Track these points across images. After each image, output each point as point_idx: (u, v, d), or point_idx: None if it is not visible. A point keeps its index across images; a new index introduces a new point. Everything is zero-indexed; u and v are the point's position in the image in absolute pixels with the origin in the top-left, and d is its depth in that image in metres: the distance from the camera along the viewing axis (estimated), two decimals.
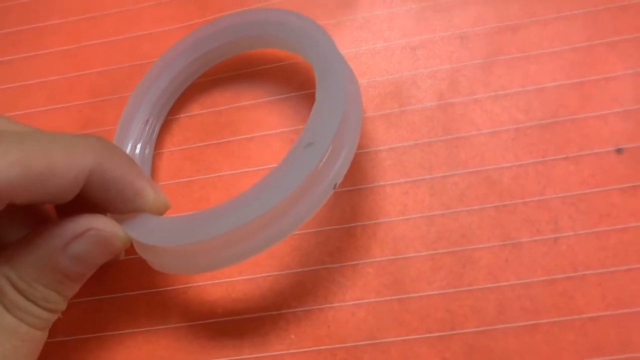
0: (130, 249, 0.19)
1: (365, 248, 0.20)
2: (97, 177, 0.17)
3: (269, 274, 0.21)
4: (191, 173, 0.23)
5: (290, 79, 0.23)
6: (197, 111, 0.23)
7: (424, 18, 0.22)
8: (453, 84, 0.22)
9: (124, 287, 0.21)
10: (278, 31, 0.20)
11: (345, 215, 0.21)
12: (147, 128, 0.22)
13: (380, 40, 0.23)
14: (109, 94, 0.24)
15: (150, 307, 0.21)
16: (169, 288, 0.21)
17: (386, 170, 0.21)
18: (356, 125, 0.19)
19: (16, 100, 0.25)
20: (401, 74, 0.22)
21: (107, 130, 0.24)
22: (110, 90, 0.24)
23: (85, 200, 0.18)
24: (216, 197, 0.22)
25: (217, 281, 0.21)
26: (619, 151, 0.20)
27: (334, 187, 0.18)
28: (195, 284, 0.21)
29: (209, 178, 0.22)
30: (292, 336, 0.20)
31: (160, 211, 0.19)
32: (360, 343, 0.19)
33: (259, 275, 0.21)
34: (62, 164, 0.16)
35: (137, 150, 0.22)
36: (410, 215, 0.21)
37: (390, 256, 0.20)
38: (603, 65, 0.21)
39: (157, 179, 0.23)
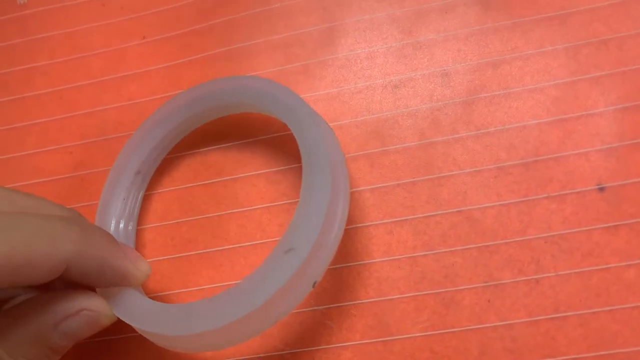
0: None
1: (350, 289, 0.21)
2: (75, 264, 0.18)
3: None
4: (179, 215, 0.23)
5: (273, 120, 0.24)
6: (185, 151, 0.24)
7: (404, 55, 0.23)
8: (434, 123, 0.22)
9: None
10: (256, 100, 0.21)
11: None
12: (129, 200, 0.23)
13: (361, 79, 0.23)
14: (97, 135, 0.25)
15: None
16: None
17: (370, 210, 0.22)
18: (340, 225, 0.20)
19: (7, 143, 0.26)
20: (382, 113, 0.23)
21: (98, 172, 0.25)
22: (98, 132, 0.25)
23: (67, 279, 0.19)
24: (204, 238, 0.23)
25: None
26: (601, 189, 0.21)
27: (314, 285, 0.19)
28: None
29: (196, 220, 0.23)
30: None
31: (141, 281, 0.20)
32: None
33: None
34: (42, 256, 0.17)
35: (121, 224, 0.23)
36: (394, 255, 0.21)
37: (374, 297, 0.21)
38: (585, 101, 0.21)
39: (146, 222, 0.24)
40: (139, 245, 0.23)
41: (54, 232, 0.17)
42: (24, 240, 0.17)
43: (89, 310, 0.19)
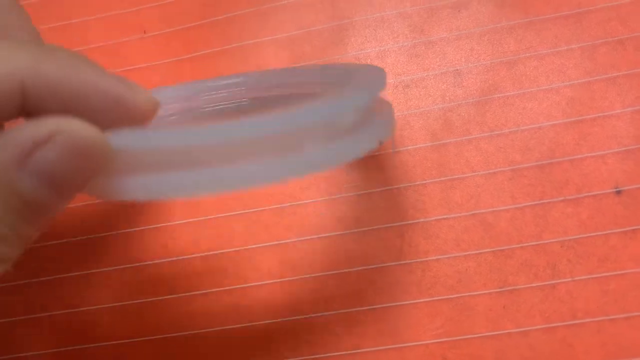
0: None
1: (360, 295, 0.21)
2: (37, 83, 0.14)
3: (262, 322, 0.21)
4: (181, 216, 0.23)
5: None
6: None
7: (416, 55, 0.23)
8: (446, 124, 0.22)
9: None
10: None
11: (340, 260, 0.21)
12: None
13: None
14: None
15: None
16: (162, 336, 0.22)
17: (380, 213, 0.22)
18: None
19: None
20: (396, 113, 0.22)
21: None
22: None
23: None
24: (206, 241, 0.22)
25: (211, 329, 0.21)
26: (618, 192, 0.20)
27: (380, 143, 0.17)
28: (187, 332, 0.21)
29: (199, 221, 0.23)
30: None
31: (146, 112, 0.15)
32: None
33: (252, 324, 0.21)
34: None
35: None
36: (406, 260, 0.21)
37: (385, 303, 0.21)
38: (601, 102, 0.21)
39: (150, 223, 0.23)
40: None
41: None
42: None
43: (67, 132, 0.13)
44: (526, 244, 0.20)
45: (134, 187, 0.14)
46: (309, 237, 0.22)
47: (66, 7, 0.27)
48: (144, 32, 0.25)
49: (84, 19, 0.26)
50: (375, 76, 0.17)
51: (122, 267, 0.22)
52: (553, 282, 0.20)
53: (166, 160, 0.14)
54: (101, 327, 0.22)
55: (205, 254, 0.22)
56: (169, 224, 0.23)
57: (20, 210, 0.13)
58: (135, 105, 0.15)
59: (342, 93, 0.16)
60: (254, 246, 0.22)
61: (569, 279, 0.20)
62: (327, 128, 0.15)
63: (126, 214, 0.23)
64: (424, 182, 0.22)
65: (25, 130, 0.13)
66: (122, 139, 0.14)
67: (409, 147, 0.22)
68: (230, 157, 0.14)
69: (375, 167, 0.22)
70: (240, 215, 0.22)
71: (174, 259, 0.22)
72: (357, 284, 0.21)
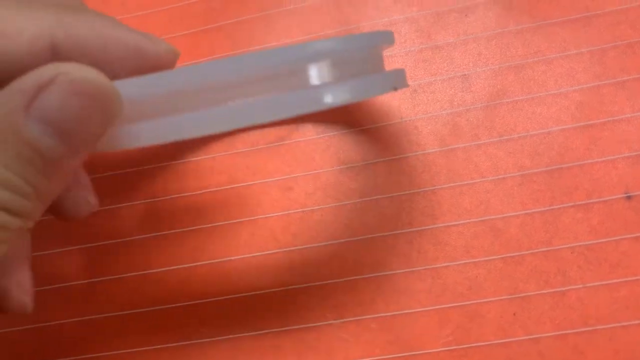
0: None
1: (369, 302, 0.21)
2: (65, 41, 0.14)
3: (270, 330, 0.21)
4: (188, 223, 0.23)
5: (288, 123, 0.23)
6: (192, 158, 0.24)
7: (423, 60, 0.23)
8: (455, 129, 0.22)
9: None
10: None
11: (347, 267, 0.21)
12: None
13: None
14: None
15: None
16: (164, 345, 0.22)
17: (389, 219, 0.21)
18: None
19: None
20: (401, 119, 0.22)
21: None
22: None
23: None
24: (213, 247, 0.22)
25: (219, 338, 0.21)
26: (628, 198, 0.20)
27: (394, 89, 0.16)
28: (194, 342, 0.21)
29: (205, 228, 0.23)
30: None
31: (165, 60, 0.16)
32: None
33: (259, 332, 0.21)
34: (13, 23, 0.14)
35: None
36: (415, 267, 0.21)
37: (394, 311, 0.20)
38: (611, 106, 0.21)
39: (155, 230, 0.23)
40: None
41: (25, 4, 0.14)
42: None
43: (64, 74, 0.13)
44: (536, 250, 0.20)
45: (140, 133, 0.14)
46: (316, 245, 0.22)
47: None
48: None
49: None
50: (384, 31, 0.17)
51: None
52: (564, 288, 0.20)
53: (172, 102, 0.14)
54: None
55: (211, 261, 0.22)
56: (170, 232, 0.23)
57: (32, 160, 0.13)
58: (158, 54, 0.16)
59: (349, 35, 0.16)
60: (260, 254, 0.22)
61: (580, 286, 0.20)
62: (337, 65, 0.15)
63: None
64: (433, 188, 0.21)
65: (30, 76, 0.13)
66: (128, 84, 0.14)
67: (417, 153, 0.22)
68: (236, 93, 0.14)
69: (382, 173, 0.22)
70: (246, 222, 0.22)
71: (180, 266, 0.22)
72: (366, 292, 0.21)
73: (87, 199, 0.18)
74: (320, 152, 0.23)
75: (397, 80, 0.16)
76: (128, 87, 0.14)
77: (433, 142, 0.22)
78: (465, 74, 0.22)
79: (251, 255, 0.22)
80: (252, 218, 0.22)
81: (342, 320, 0.21)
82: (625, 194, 0.20)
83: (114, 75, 0.14)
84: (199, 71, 0.14)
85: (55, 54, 0.14)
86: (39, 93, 0.13)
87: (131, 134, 0.14)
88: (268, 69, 0.14)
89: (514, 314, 0.20)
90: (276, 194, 0.22)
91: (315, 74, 0.14)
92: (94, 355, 0.22)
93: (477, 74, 0.22)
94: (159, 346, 0.22)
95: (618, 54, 0.22)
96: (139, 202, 0.23)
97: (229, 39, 0.24)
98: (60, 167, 0.13)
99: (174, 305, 0.22)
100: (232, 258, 0.22)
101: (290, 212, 0.22)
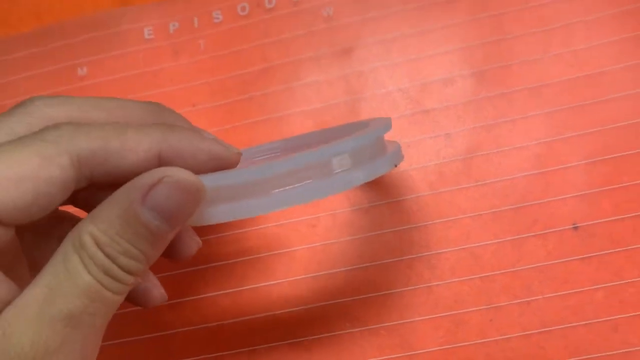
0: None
1: (379, 314, 0.27)
2: (167, 148, 0.20)
3: (302, 338, 0.27)
4: (235, 256, 0.29)
5: None
6: None
7: (414, 122, 0.29)
8: (441, 176, 0.28)
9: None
10: None
11: (361, 287, 0.27)
12: None
13: None
14: None
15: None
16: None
17: (392, 249, 0.28)
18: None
19: None
20: (398, 169, 0.29)
21: None
22: None
23: None
24: (255, 275, 0.28)
25: (260, 346, 0.27)
26: (576, 228, 0.27)
27: (395, 166, 0.23)
28: (241, 350, 0.27)
29: (248, 259, 0.29)
30: None
31: (235, 162, 0.21)
32: None
33: (294, 341, 0.27)
34: (134, 141, 0.19)
35: None
36: (414, 285, 0.27)
37: (399, 320, 0.27)
38: (561, 157, 0.28)
39: (208, 262, 0.29)
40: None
41: (141, 126, 0.20)
42: (117, 132, 0.19)
43: (171, 176, 0.18)
44: (506, 270, 0.27)
45: (218, 213, 0.20)
46: (336, 270, 0.28)
47: (125, 86, 0.33)
48: (194, 106, 0.32)
49: (141, 94, 0.32)
50: (385, 120, 0.24)
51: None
52: (528, 299, 0.26)
53: (240, 191, 0.20)
54: None
55: (254, 285, 0.28)
56: (220, 263, 0.29)
57: (146, 237, 0.18)
58: (230, 158, 0.21)
59: (363, 129, 0.22)
60: (293, 279, 0.28)
61: (540, 297, 0.26)
62: (354, 156, 0.21)
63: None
64: (425, 223, 0.28)
65: (144, 176, 0.18)
66: (210, 179, 0.20)
67: (412, 196, 0.28)
68: (284, 182, 0.21)
69: (386, 213, 0.28)
70: (281, 253, 0.28)
71: (229, 290, 0.28)
72: (376, 306, 0.27)
73: (194, 239, 0.24)
74: (336, 196, 0.29)
75: (396, 158, 0.23)
76: (209, 181, 0.20)
77: (424, 187, 0.28)
78: (448, 133, 0.29)
79: (286, 280, 0.28)
80: (285, 250, 0.28)
81: (358, 329, 0.27)
82: (573, 225, 0.27)
83: (198, 171, 0.21)
84: (256, 170, 0.20)
85: (161, 160, 0.20)
86: (151, 189, 0.18)
87: (210, 215, 0.21)
88: (305, 164, 0.20)
89: (491, 320, 0.26)
90: (303, 231, 0.29)
91: (337, 163, 0.21)
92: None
93: (457, 133, 0.29)
94: (213, 355, 0.28)
95: (564, 115, 0.28)
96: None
97: (259, 108, 0.31)
98: (163, 240, 0.19)
99: (225, 322, 0.28)
100: (271, 283, 0.28)
101: (315, 245, 0.28)
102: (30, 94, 0.33)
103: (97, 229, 0.18)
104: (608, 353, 0.25)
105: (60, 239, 0.19)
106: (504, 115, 0.29)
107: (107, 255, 0.18)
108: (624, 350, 0.25)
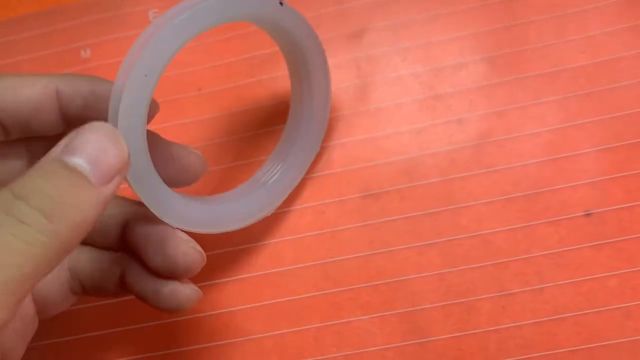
0: None
1: (390, 302, 0.27)
2: (66, 88, 0.21)
3: (312, 326, 0.27)
4: (241, 242, 0.29)
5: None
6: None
7: (426, 106, 0.29)
8: (453, 162, 0.28)
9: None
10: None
11: (371, 274, 0.27)
12: None
13: (390, 127, 0.29)
14: None
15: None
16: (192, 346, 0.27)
17: (403, 236, 0.28)
18: None
19: None
20: (409, 155, 0.28)
21: None
22: None
23: None
24: (263, 261, 0.28)
25: (268, 334, 0.27)
26: (588, 215, 0.27)
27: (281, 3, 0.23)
28: (247, 338, 0.27)
29: (256, 246, 0.28)
30: None
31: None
32: None
33: (303, 328, 0.27)
34: (30, 78, 0.21)
35: None
36: (425, 273, 0.27)
37: (410, 307, 0.27)
38: (573, 143, 0.28)
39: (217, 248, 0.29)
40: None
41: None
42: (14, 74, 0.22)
43: (83, 127, 0.19)
44: (518, 257, 0.27)
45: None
46: (346, 257, 0.28)
47: None
48: (199, 90, 0.31)
49: None
50: None
51: None
52: (540, 286, 0.26)
53: None
54: None
55: (262, 272, 0.28)
56: (226, 250, 0.28)
57: (66, 177, 0.17)
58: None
59: None
60: (302, 265, 0.28)
61: (552, 284, 0.26)
62: None
63: None
64: (437, 210, 0.28)
65: (64, 138, 0.18)
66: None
67: (424, 182, 0.28)
68: None
69: (396, 199, 0.28)
70: (289, 240, 0.28)
71: (238, 277, 0.28)
72: (387, 293, 0.27)
73: (196, 249, 0.23)
74: (346, 183, 0.29)
75: None
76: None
77: (436, 173, 0.28)
78: (459, 118, 0.29)
79: (295, 267, 0.28)
80: (294, 237, 0.28)
81: (369, 316, 0.27)
82: (585, 212, 0.27)
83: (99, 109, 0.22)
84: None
85: (60, 97, 0.21)
86: (71, 140, 0.18)
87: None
88: None
89: (503, 307, 0.26)
90: (312, 217, 0.28)
91: None
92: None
93: (469, 118, 0.29)
94: (221, 342, 0.28)
95: (577, 102, 0.28)
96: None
97: (268, 92, 0.30)
98: (93, 191, 0.18)
99: (233, 309, 0.28)
100: (280, 269, 0.28)
101: (324, 231, 0.28)
102: None
103: (16, 184, 0.17)
104: (621, 340, 0.25)
105: None
106: (516, 101, 0.29)
107: (21, 198, 0.17)
108: (637, 338, 0.25)
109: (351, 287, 0.27)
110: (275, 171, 0.28)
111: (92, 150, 0.18)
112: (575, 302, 0.26)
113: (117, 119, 0.20)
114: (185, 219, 0.23)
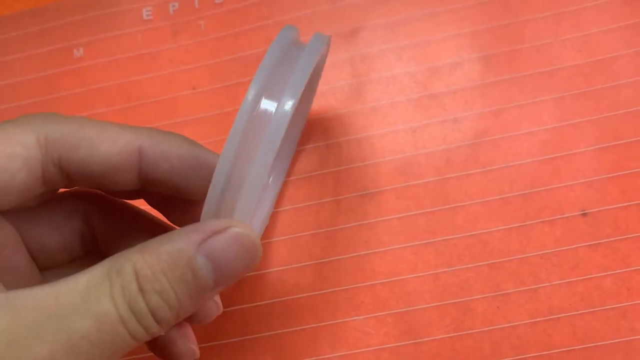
0: None
1: (385, 302, 0.27)
2: (151, 148, 0.19)
3: (307, 326, 0.27)
4: None
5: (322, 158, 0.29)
6: None
7: (421, 106, 0.29)
8: (448, 162, 0.28)
9: None
10: None
11: (366, 274, 0.27)
12: None
13: (385, 125, 0.29)
14: None
15: None
16: None
17: (398, 235, 0.27)
18: None
19: None
20: (404, 154, 0.28)
21: None
22: None
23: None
24: None
25: (264, 334, 0.27)
26: (584, 214, 0.27)
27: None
28: (243, 338, 0.27)
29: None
30: None
31: None
32: None
33: (298, 328, 0.27)
34: (113, 132, 0.19)
35: None
36: (420, 273, 0.27)
37: (405, 308, 0.27)
38: (569, 142, 0.27)
39: None
40: None
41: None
42: (94, 121, 0.19)
43: (237, 227, 0.17)
44: (514, 257, 0.26)
45: None
46: (341, 257, 0.28)
47: (124, 68, 0.32)
48: (194, 88, 0.31)
49: (140, 77, 0.32)
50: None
51: None
52: (535, 286, 0.26)
53: None
54: None
55: (257, 272, 0.28)
56: None
57: (189, 284, 0.17)
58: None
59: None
60: (297, 265, 0.28)
61: (547, 284, 0.26)
62: None
63: None
64: (433, 209, 0.27)
65: (209, 223, 0.17)
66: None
67: (419, 181, 0.28)
68: None
69: (391, 198, 0.28)
70: (284, 240, 0.28)
71: None
72: (382, 293, 0.27)
73: (192, 349, 0.21)
74: (342, 182, 0.28)
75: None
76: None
77: (431, 172, 0.28)
78: (455, 117, 0.29)
79: (290, 266, 0.28)
80: (290, 237, 0.28)
81: (364, 317, 0.27)
82: (581, 211, 0.27)
83: (181, 174, 0.20)
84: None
85: (142, 157, 0.19)
86: (212, 235, 0.17)
87: None
88: None
89: (497, 307, 0.26)
90: (307, 217, 0.28)
91: None
92: None
93: (465, 117, 0.28)
94: (213, 343, 0.27)
95: (574, 100, 0.28)
96: None
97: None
98: (203, 294, 0.17)
99: (226, 309, 0.28)
100: (275, 269, 0.28)
101: (319, 230, 0.28)
102: (26, 75, 0.33)
103: (142, 259, 0.16)
104: (616, 340, 0.25)
105: None
106: (512, 100, 0.28)
107: (141, 289, 0.16)
108: (632, 338, 0.25)
109: (346, 287, 0.27)
110: None
111: (226, 257, 0.17)
112: (571, 302, 0.26)
113: (237, 202, 0.18)
114: None
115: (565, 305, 0.26)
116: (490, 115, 0.28)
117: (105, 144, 0.18)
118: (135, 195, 0.22)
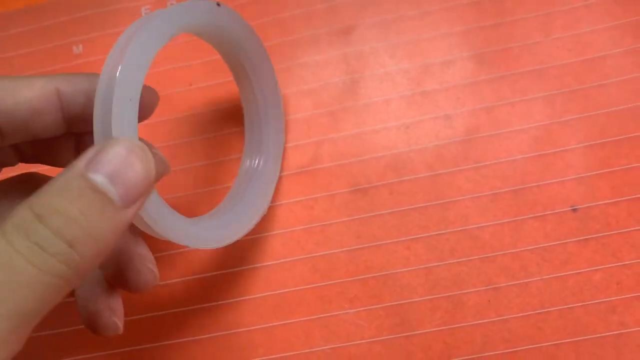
0: None
1: (378, 295, 0.27)
2: (67, 88, 0.21)
3: (299, 319, 0.27)
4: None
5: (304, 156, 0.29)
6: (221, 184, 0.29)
7: (414, 102, 0.29)
8: (440, 158, 0.28)
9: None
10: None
11: (359, 268, 0.27)
12: None
13: (378, 122, 0.29)
14: None
15: None
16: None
17: (391, 230, 0.28)
18: None
19: None
20: (397, 150, 0.29)
21: None
22: None
23: None
24: (252, 255, 0.28)
25: (256, 327, 0.27)
26: (574, 210, 0.27)
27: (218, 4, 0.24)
28: (236, 331, 0.27)
29: (245, 239, 0.28)
30: None
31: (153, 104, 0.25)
32: None
33: (290, 321, 0.27)
34: (27, 79, 0.20)
35: None
36: (412, 267, 0.27)
37: (398, 301, 0.27)
38: (559, 139, 0.28)
39: None
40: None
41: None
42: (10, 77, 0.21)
43: (114, 140, 0.17)
44: (505, 252, 0.27)
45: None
46: (334, 251, 0.28)
47: None
48: (190, 85, 0.31)
49: None
50: None
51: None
52: (526, 280, 0.26)
53: None
54: None
55: (251, 266, 0.28)
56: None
57: (90, 196, 0.16)
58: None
59: None
60: (290, 259, 0.28)
61: (538, 278, 0.26)
62: None
63: None
64: (425, 204, 0.28)
65: (91, 147, 0.17)
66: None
67: (411, 177, 0.28)
68: None
69: (384, 194, 0.28)
70: (278, 234, 0.28)
71: (225, 271, 0.28)
72: (375, 287, 0.27)
73: (150, 269, 0.22)
74: (335, 178, 0.29)
75: None
76: None
77: (423, 168, 0.28)
78: (447, 114, 0.29)
79: (284, 260, 0.28)
80: (283, 231, 0.28)
81: (357, 310, 0.27)
82: (571, 207, 0.27)
83: None
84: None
85: (62, 97, 0.21)
86: (96, 155, 0.17)
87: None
88: None
89: (489, 301, 0.26)
90: (300, 212, 0.29)
91: None
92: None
93: (457, 114, 0.29)
94: (203, 336, 0.28)
95: (564, 98, 0.28)
96: None
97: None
98: (115, 215, 0.17)
99: (222, 302, 0.28)
100: (268, 264, 0.28)
101: (312, 225, 0.28)
102: (25, 72, 0.33)
103: (36, 197, 0.16)
104: (606, 334, 0.25)
105: None
106: (503, 98, 0.29)
107: (37, 216, 0.15)
108: (621, 331, 0.25)
109: (339, 281, 0.27)
110: (249, 185, 0.28)
111: (118, 167, 0.17)
112: (561, 296, 0.26)
113: (111, 119, 0.19)
114: (189, 237, 0.23)
115: (555, 299, 0.26)
116: (482, 112, 0.29)
117: (24, 89, 0.20)
118: (68, 143, 0.23)
